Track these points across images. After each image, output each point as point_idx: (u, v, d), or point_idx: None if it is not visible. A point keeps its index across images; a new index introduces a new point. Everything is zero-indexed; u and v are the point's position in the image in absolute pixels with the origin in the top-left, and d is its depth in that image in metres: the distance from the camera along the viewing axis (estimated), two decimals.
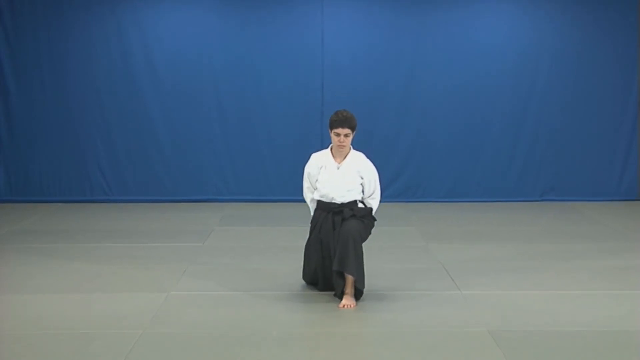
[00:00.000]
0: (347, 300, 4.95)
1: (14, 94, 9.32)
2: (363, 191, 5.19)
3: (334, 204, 5.13)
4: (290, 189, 8.76)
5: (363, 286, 5.02)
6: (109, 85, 9.34)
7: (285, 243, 6.95)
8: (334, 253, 5.00)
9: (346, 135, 5.09)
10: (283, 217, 8.31)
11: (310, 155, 5.35)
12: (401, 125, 9.44)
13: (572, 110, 9.49)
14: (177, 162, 9.46)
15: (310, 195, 5.30)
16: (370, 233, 5.19)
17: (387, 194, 9.24)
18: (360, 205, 5.18)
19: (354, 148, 5.26)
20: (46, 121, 9.36)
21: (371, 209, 5.20)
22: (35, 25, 9.25)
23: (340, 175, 5.13)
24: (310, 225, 5.29)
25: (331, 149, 5.23)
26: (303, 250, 5.37)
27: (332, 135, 5.13)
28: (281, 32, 9.35)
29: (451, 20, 9.38)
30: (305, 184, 5.32)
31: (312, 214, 5.32)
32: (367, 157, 5.26)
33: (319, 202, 5.22)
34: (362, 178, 5.16)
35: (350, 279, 4.96)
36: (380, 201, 5.31)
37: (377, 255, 6.09)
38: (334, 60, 9.36)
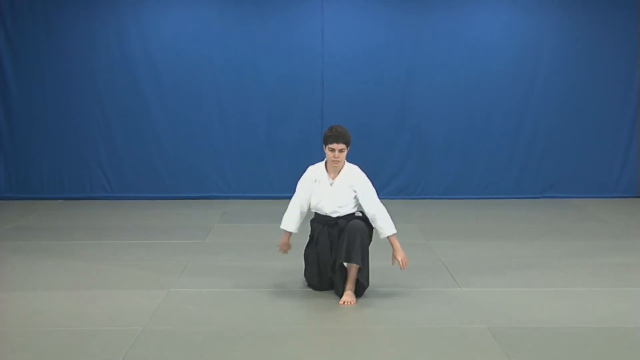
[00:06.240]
0: (348, 297, 4.95)
1: (14, 92, 9.31)
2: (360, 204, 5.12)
3: (329, 217, 5.13)
4: (290, 185, 8.63)
5: (367, 282, 5.01)
6: (109, 83, 9.33)
7: None
8: (332, 265, 5.02)
9: (340, 151, 5.04)
10: (283, 214, 8.27)
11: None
12: (401, 121, 9.44)
13: (571, 107, 9.49)
14: (177, 159, 9.46)
15: (293, 209, 5.25)
16: (371, 239, 5.13)
17: (387, 191, 9.26)
18: (359, 214, 5.14)
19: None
20: (46, 119, 9.37)
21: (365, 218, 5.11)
22: (36, 24, 9.24)
23: (333, 191, 5.10)
24: (310, 231, 5.28)
25: (325, 163, 5.19)
26: (303, 249, 5.36)
27: (327, 150, 5.07)
28: (281, 29, 9.34)
29: (451, 17, 9.37)
30: (296, 194, 5.27)
31: (285, 217, 5.28)
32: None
33: (316, 214, 5.23)
34: (355, 192, 5.10)
35: (352, 275, 4.96)
36: (380, 199, 5.29)
37: (376, 252, 6.07)
38: (334, 57, 9.35)
